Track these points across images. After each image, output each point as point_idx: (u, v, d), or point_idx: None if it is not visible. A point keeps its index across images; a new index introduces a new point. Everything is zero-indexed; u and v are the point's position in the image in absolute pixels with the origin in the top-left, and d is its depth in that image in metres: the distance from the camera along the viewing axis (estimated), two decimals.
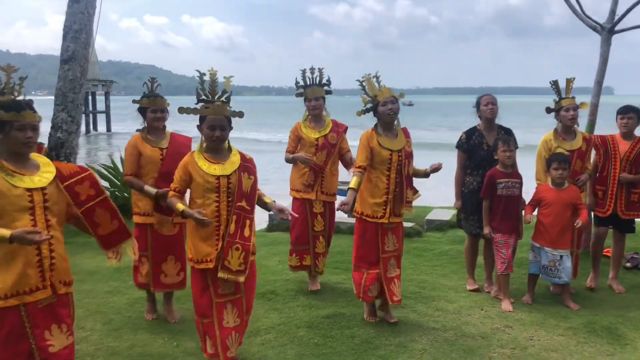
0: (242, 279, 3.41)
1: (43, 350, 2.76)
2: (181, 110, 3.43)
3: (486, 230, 4.97)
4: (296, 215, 3.92)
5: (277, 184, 12.87)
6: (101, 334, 4.31)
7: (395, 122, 4.36)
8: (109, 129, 43.00)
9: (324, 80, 5.26)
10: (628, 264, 5.91)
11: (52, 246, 2.80)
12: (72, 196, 2.93)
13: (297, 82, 5.27)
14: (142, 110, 4.45)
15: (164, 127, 4.50)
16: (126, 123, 45.81)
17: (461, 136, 5.25)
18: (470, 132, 5.21)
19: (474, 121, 5.31)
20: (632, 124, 5.19)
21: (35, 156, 2.89)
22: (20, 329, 2.73)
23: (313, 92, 5.17)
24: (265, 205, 3.65)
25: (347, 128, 5.32)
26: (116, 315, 4.71)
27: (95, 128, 44.48)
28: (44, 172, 2.83)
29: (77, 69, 7.90)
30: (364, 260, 4.43)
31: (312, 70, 5.24)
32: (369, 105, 4.39)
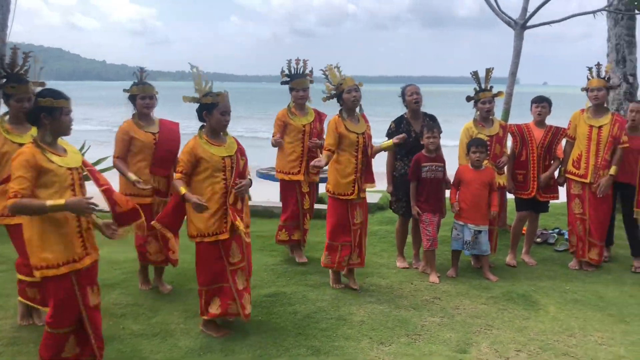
0: (248, 240, 4.00)
1: (87, 307, 3.22)
2: (189, 99, 3.86)
3: (414, 210, 5.33)
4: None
5: None
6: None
7: (358, 108, 4.78)
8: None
9: (307, 71, 5.59)
10: (538, 239, 6.50)
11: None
12: (93, 178, 3.31)
13: (282, 71, 5.58)
14: (132, 98, 4.71)
15: (152, 113, 4.75)
16: None
17: (390, 125, 5.56)
18: (399, 121, 5.54)
19: (389, 110, 5.65)
20: (545, 113, 5.72)
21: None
22: (72, 292, 3.16)
23: (300, 82, 5.55)
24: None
25: (326, 116, 5.67)
26: None
27: None
28: (74, 154, 3.24)
29: None
30: (338, 234, 4.83)
31: (297, 61, 5.56)
32: (333, 93, 4.78)
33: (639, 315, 4.52)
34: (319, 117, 5.70)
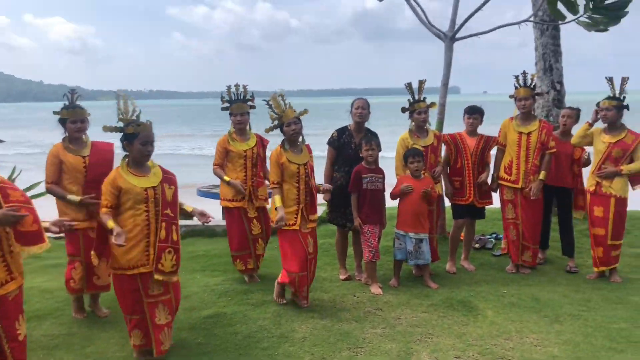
0: (175, 278, 3.85)
1: (11, 339, 3.10)
2: (108, 128, 3.77)
3: (356, 221, 5.35)
4: (212, 218, 4.23)
5: None
6: None
7: (300, 139, 4.82)
8: None
9: (248, 96, 5.52)
10: (477, 245, 6.65)
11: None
12: (2, 195, 3.03)
13: (222, 97, 5.49)
14: (62, 121, 4.59)
15: (85, 135, 4.64)
16: None
17: (333, 133, 5.60)
18: (342, 131, 5.58)
19: (335, 122, 5.69)
20: (476, 123, 5.89)
21: None
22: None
23: (239, 107, 5.46)
24: (186, 212, 4.06)
25: (268, 142, 5.64)
26: None
27: None
28: None
29: None
30: (296, 268, 4.72)
31: (237, 86, 5.50)
32: (276, 123, 4.78)
33: (572, 314, 4.67)
34: (262, 142, 5.62)
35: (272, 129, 4.84)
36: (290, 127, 4.73)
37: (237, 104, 5.48)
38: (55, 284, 5.54)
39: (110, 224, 3.62)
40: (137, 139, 3.72)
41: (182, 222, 8.02)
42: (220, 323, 4.58)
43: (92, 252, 3.99)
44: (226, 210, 5.65)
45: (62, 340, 4.34)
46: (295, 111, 4.79)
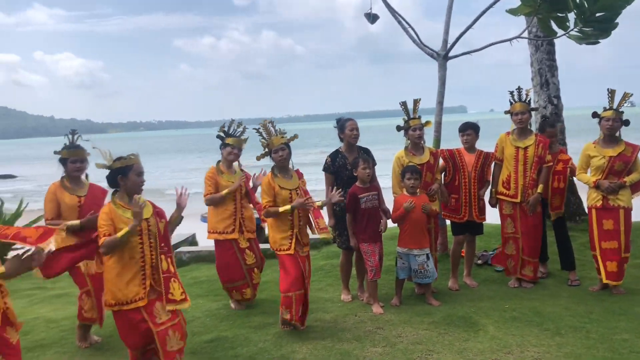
0: (187, 305, 3.82)
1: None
2: (101, 166, 3.83)
3: (352, 241, 5.37)
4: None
5: None
6: None
7: (290, 164, 4.92)
8: None
9: (243, 136, 5.63)
10: (479, 261, 6.64)
11: None
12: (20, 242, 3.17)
13: (222, 126, 5.63)
14: (63, 161, 4.69)
15: (85, 176, 4.79)
16: None
17: (326, 160, 5.64)
18: (334, 155, 5.63)
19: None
20: (472, 139, 5.92)
21: None
22: None
23: (237, 141, 5.58)
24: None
25: (251, 175, 5.73)
26: None
27: None
28: None
29: None
30: (293, 287, 4.75)
31: (238, 124, 5.63)
32: (265, 151, 4.89)
33: (573, 326, 4.64)
34: (246, 176, 5.68)
35: (262, 156, 4.93)
36: (277, 153, 4.82)
37: (236, 139, 5.57)
38: (60, 314, 5.60)
39: (119, 233, 3.62)
40: (132, 171, 3.77)
41: (186, 249, 8.11)
42: (222, 347, 4.59)
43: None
44: (216, 243, 5.63)
45: None
46: (283, 137, 4.86)
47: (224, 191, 5.45)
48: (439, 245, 6.59)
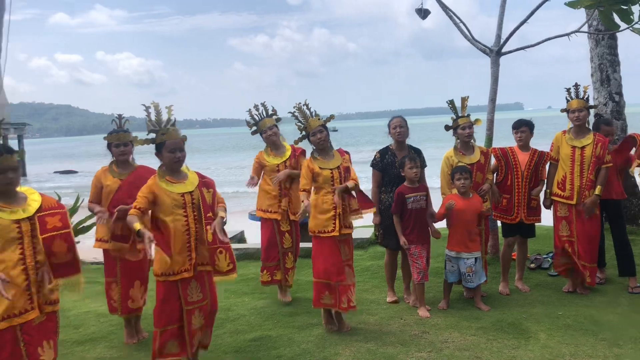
0: (233, 276, 3.84)
1: None
2: (139, 141, 3.87)
3: (402, 240, 5.23)
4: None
5: None
6: None
7: (330, 145, 4.84)
8: (24, 173, 41.12)
9: (270, 111, 5.69)
10: (532, 265, 6.39)
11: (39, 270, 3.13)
12: (40, 224, 3.17)
13: (248, 122, 5.67)
14: (108, 146, 4.77)
15: (132, 159, 4.80)
16: (42, 166, 44.02)
17: (375, 155, 5.56)
18: (384, 151, 5.53)
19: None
20: (526, 137, 5.69)
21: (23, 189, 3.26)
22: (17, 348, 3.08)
23: (264, 123, 5.63)
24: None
25: (303, 151, 5.68)
26: None
27: None
28: (31, 202, 3.20)
29: None
30: (331, 273, 4.71)
31: (255, 106, 5.66)
32: (302, 135, 4.88)
33: (633, 337, 4.39)
34: (294, 152, 5.71)
35: (300, 140, 4.93)
36: (315, 136, 4.77)
37: (262, 121, 5.65)
38: None
39: (137, 226, 3.60)
40: (164, 147, 3.75)
41: (234, 246, 8.14)
42: (265, 346, 4.58)
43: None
44: (262, 220, 5.78)
45: None
46: (319, 119, 4.81)
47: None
48: (489, 248, 6.38)
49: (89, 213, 8.23)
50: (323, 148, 4.81)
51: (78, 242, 8.93)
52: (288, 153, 5.68)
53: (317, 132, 4.77)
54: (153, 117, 3.79)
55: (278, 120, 5.70)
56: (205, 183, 3.93)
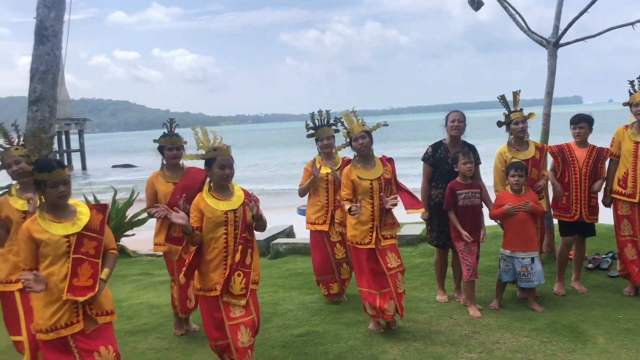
0: (242, 302, 3.73)
1: None
2: (189, 156, 3.90)
3: (463, 234, 5.04)
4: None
5: None
6: None
7: (371, 154, 4.70)
8: (84, 167, 42.70)
9: (331, 121, 5.57)
10: (590, 265, 6.13)
11: None
12: (76, 242, 3.22)
13: (307, 125, 5.60)
14: (160, 149, 4.82)
15: (182, 163, 4.84)
16: (100, 160, 45.50)
17: (427, 149, 5.45)
18: (437, 146, 5.41)
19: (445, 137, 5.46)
20: (584, 133, 5.44)
21: (72, 202, 3.33)
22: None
23: (324, 132, 5.51)
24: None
25: (349, 160, 5.49)
26: None
27: None
28: (80, 217, 3.28)
29: (45, 110, 7.96)
30: (371, 284, 4.63)
31: (320, 112, 5.58)
32: (346, 141, 4.80)
33: None
34: (344, 164, 5.50)
35: (344, 146, 4.84)
36: (357, 141, 4.64)
37: (323, 129, 5.51)
38: (162, 300, 5.86)
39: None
40: (215, 163, 3.73)
41: (283, 240, 8.21)
42: (312, 342, 4.58)
43: (182, 272, 3.92)
44: (311, 233, 5.67)
45: (163, 354, 4.56)
46: (363, 125, 4.69)
47: (306, 182, 5.46)
48: (545, 247, 6.17)
49: (144, 206, 8.50)
50: (364, 155, 4.69)
51: (133, 235, 9.23)
52: (338, 165, 5.52)
53: (359, 137, 4.65)
54: (201, 137, 3.78)
55: (337, 131, 5.54)
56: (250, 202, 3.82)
